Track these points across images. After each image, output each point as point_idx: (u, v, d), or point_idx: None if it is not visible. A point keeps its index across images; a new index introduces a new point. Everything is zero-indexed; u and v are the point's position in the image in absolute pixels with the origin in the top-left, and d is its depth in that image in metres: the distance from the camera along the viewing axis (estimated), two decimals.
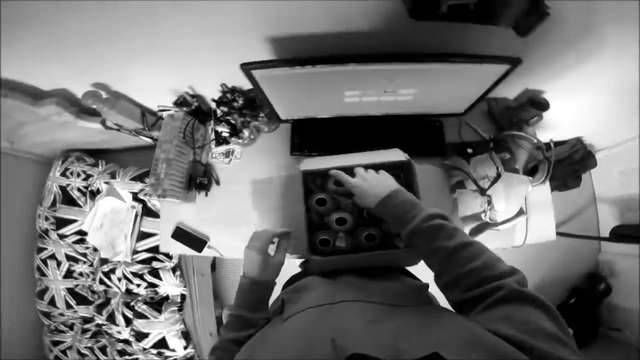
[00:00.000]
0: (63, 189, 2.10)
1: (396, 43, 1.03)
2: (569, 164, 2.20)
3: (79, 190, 2.11)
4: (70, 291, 2.14)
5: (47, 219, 2.10)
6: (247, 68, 1.00)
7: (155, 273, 2.00)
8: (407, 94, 1.17)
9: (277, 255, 0.96)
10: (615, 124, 2.00)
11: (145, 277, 2.00)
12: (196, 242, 1.45)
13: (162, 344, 2.04)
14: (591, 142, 2.31)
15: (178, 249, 1.48)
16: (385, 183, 0.88)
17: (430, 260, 0.75)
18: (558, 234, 1.43)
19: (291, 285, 0.94)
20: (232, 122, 1.40)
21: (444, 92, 1.18)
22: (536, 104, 1.34)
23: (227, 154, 1.49)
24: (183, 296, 2.12)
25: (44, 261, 2.11)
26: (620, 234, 2.12)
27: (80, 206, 2.11)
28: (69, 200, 2.11)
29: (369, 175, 0.91)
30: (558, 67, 1.29)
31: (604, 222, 2.62)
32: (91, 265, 2.16)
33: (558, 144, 2.16)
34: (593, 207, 2.67)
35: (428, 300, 0.75)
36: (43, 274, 2.12)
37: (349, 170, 0.97)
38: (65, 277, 2.13)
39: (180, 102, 1.44)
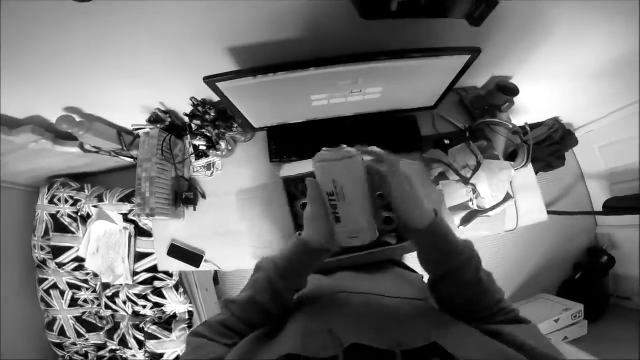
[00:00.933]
0: (53, 216, 2.09)
1: (354, 44, 1.03)
2: (549, 145, 2.23)
3: (69, 216, 2.10)
4: (79, 319, 2.14)
5: (42, 248, 2.10)
6: (210, 81, 1.01)
7: (158, 292, 2.00)
8: (374, 92, 1.16)
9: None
10: (592, 103, 2.03)
11: (149, 297, 2.00)
12: (193, 257, 1.45)
13: None
14: (569, 121, 2.35)
15: (176, 266, 1.48)
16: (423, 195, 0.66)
17: (439, 279, 0.66)
18: (551, 212, 1.44)
19: None
20: (208, 134, 1.40)
21: (410, 87, 1.18)
22: (505, 89, 1.35)
23: (209, 166, 1.48)
24: (190, 313, 2.12)
25: (47, 292, 2.11)
26: (613, 207, 2.14)
27: (73, 232, 2.10)
28: (61, 227, 2.10)
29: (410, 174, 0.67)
30: (519, 52, 1.30)
31: (595, 197, 2.66)
32: (94, 291, 2.16)
33: (534, 126, 2.19)
34: (582, 184, 2.71)
35: (423, 293, 0.74)
36: (49, 305, 2.12)
37: None
38: (70, 305, 2.13)
39: (154, 119, 1.43)
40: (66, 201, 2.08)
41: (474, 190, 1.27)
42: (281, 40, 1.04)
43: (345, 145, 0.62)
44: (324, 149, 0.60)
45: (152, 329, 1.99)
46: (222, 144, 1.41)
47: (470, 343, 0.51)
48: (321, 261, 0.70)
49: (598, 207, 2.45)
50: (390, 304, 0.67)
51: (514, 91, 1.35)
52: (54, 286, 2.11)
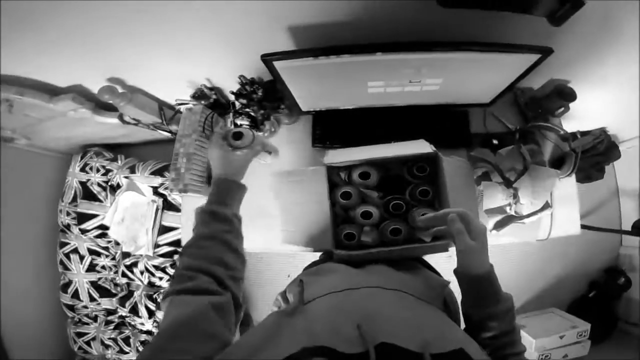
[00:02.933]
0: (83, 184, 2.13)
1: (424, 31, 1.00)
2: (592, 155, 2.15)
3: (99, 185, 2.14)
4: (94, 284, 2.18)
5: (68, 214, 2.14)
6: (268, 59, 0.98)
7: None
8: (433, 83, 1.14)
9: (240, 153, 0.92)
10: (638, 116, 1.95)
11: (167, 270, 2.03)
12: None
13: None
14: (615, 133, 2.26)
15: None
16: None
17: (479, 323, 0.71)
18: (583, 227, 1.39)
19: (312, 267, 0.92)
20: (252, 114, 1.38)
21: (471, 81, 1.15)
22: (563, 94, 1.31)
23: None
24: None
25: (67, 255, 2.16)
26: None
27: (100, 201, 2.14)
28: (89, 195, 2.14)
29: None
30: (585, 57, 1.27)
31: (626, 215, 2.59)
32: (113, 258, 2.20)
33: (582, 135, 2.13)
34: (615, 200, 2.63)
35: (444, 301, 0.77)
36: (66, 268, 2.17)
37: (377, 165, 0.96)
38: (88, 270, 2.18)
39: (198, 95, 1.43)
40: (98, 170, 2.12)
41: (515, 195, 1.24)
42: (345, 22, 1.01)
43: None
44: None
45: None
46: (267, 125, 1.39)
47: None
48: (239, 192, 0.89)
49: (627, 225, 2.32)
50: (419, 304, 0.66)
51: (571, 96, 1.32)
52: (74, 250, 2.16)
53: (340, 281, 0.74)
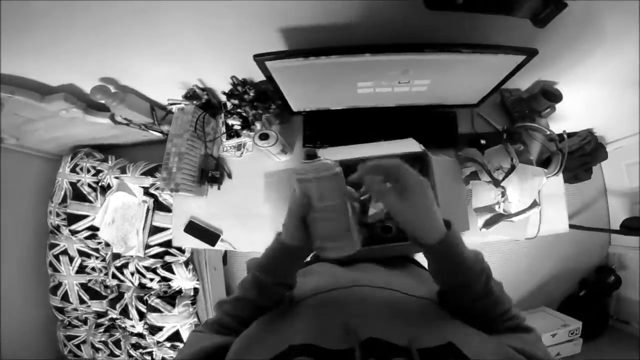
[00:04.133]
0: (73, 184, 2.11)
1: (412, 33, 1.03)
2: (579, 156, 2.21)
3: (89, 185, 2.12)
4: (83, 286, 2.16)
5: (58, 215, 2.12)
6: (260, 59, 1.00)
7: (168, 267, 2.01)
8: (421, 84, 1.15)
9: None
10: (625, 117, 2.00)
11: (158, 271, 2.01)
12: (209, 235, 1.46)
13: (175, 337, 2.05)
14: (602, 134, 2.31)
15: (191, 243, 1.48)
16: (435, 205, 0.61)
17: (449, 292, 0.64)
18: (572, 226, 1.42)
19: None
20: (244, 114, 1.39)
21: (459, 83, 1.17)
22: (549, 95, 1.34)
23: (239, 147, 1.49)
24: (196, 290, 2.14)
25: (57, 257, 2.14)
26: (631, 227, 2.12)
27: (91, 202, 2.12)
28: (79, 196, 2.12)
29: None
30: (569, 58, 1.29)
31: (614, 215, 2.63)
32: (103, 260, 2.18)
33: (569, 135, 2.17)
34: (603, 200, 2.68)
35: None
36: (56, 270, 2.15)
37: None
38: (77, 272, 2.16)
39: (190, 96, 1.44)
40: (88, 171, 2.11)
41: (503, 194, 1.26)
42: (335, 24, 1.03)
43: (324, 158, 0.61)
44: (302, 161, 0.61)
45: (155, 301, 2.01)
46: (258, 125, 1.41)
47: (486, 347, 0.50)
48: (303, 258, 0.69)
49: (616, 225, 2.42)
50: (407, 301, 0.65)
51: (557, 97, 1.35)
52: (64, 252, 2.14)
53: (328, 281, 0.73)
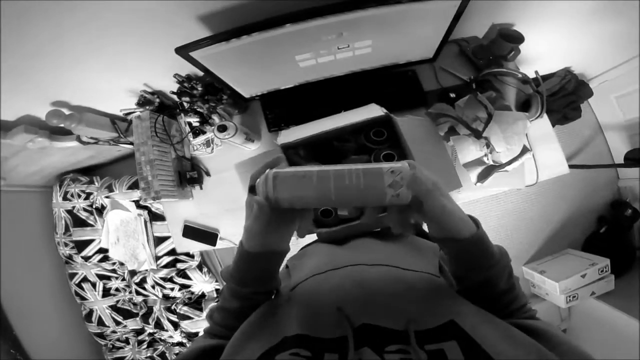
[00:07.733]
0: (70, 212, 2.11)
1: None
2: (563, 96, 2.19)
3: (85, 210, 2.11)
4: (114, 308, 2.21)
5: (66, 244, 2.14)
6: (183, 52, 0.94)
7: (183, 274, 2.02)
8: (363, 46, 1.08)
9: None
10: (601, 51, 1.94)
11: (174, 279, 2.03)
12: (207, 236, 1.43)
13: None
14: (582, 71, 2.26)
15: (193, 246, 1.47)
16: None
17: (472, 289, 0.58)
18: (572, 166, 1.37)
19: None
20: (200, 110, 1.33)
21: (402, 38, 1.08)
22: (509, 37, 1.27)
23: (208, 143, 1.42)
24: (218, 290, 2.14)
25: (79, 285, 2.18)
26: (635, 158, 2.04)
27: (92, 225, 2.13)
28: (79, 222, 2.12)
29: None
30: None
31: (615, 149, 2.56)
32: (124, 279, 2.21)
33: (545, 78, 2.15)
34: (601, 136, 2.61)
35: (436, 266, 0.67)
36: (83, 298, 2.19)
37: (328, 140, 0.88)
38: (103, 296, 2.20)
39: (143, 102, 1.37)
40: (79, 195, 2.09)
41: (488, 144, 1.19)
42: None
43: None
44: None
45: (183, 309, 2.03)
46: (215, 118, 1.34)
47: (490, 327, 0.45)
48: (277, 262, 0.62)
49: (619, 159, 2.36)
50: (405, 278, 0.62)
51: (518, 39, 1.27)
52: (85, 279, 2.17)
53: (323, 262, 0.71)
